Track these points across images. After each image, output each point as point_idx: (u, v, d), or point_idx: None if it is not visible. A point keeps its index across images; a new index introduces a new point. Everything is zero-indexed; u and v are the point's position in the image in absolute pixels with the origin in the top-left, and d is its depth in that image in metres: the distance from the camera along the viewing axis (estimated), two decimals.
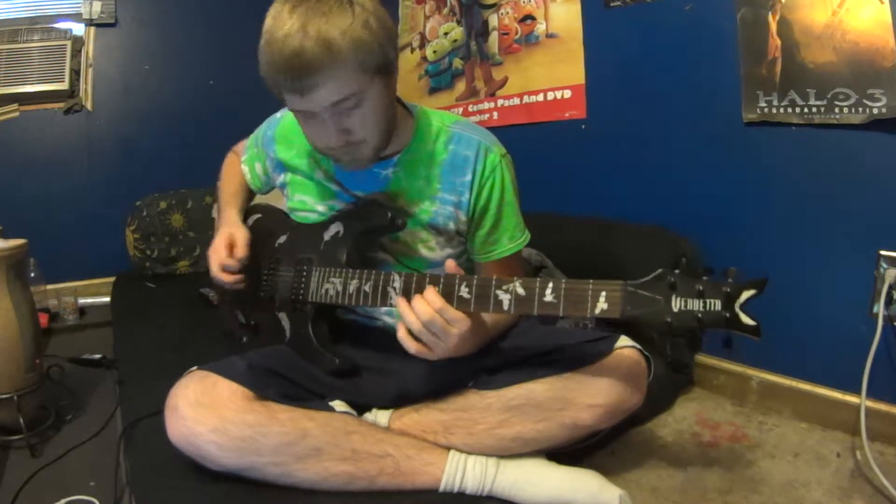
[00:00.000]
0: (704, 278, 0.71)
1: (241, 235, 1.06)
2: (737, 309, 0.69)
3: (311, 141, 0.92)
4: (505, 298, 0.79)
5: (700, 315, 0.70)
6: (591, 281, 0.76)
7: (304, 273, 1.01)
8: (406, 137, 0.98)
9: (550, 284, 0.77)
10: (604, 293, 0.75)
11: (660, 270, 0.73)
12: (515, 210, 1.02)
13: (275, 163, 1.10)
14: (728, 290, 0.70)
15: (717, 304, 0.70)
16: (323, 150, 0.92)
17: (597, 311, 0.75)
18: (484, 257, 1.03)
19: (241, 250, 1.05)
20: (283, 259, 1.06)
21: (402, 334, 0.83)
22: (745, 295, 0.69)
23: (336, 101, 0.82)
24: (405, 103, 1.00)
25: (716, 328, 0.70)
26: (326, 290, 0.96)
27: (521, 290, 0.78)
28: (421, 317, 0.80)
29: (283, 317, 1.04)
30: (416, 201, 0.98)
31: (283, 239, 1.09)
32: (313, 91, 0.80)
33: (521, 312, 0.79)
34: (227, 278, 1.04)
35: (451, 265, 0.85)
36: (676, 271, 0.72)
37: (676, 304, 0.71)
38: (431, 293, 0.81)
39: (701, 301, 0.70)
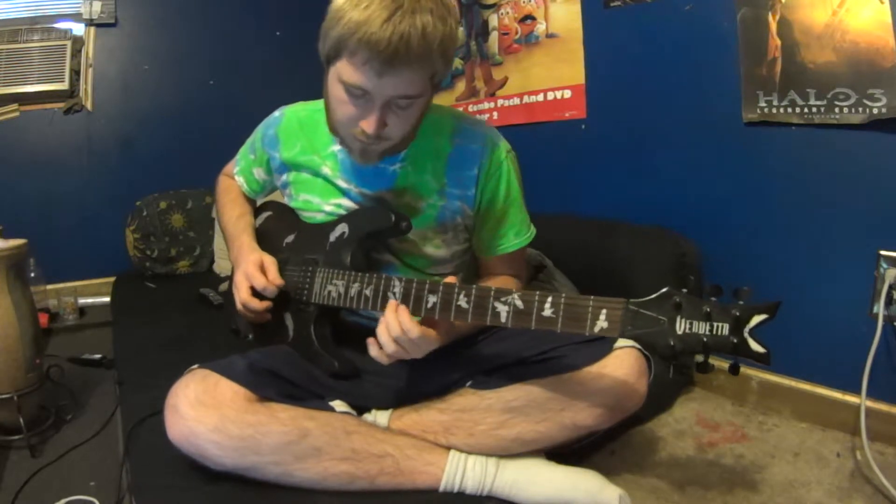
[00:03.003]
0: (713, 299, 0.67)
1: (270, 260, 1.02)
2: (745, 334, 0.65)
3: (340, 116, 0.88)
4: (503, 311, 0.78)
5: (706, 339, 0.66)
6: (591, 298, 0.73)
7: (309, 273, 1.01)
8: (410, 138, 0.97)
9: (550, 299, 0.75)
10: (604, 311, 0.71)
11: (666, 289, 0.69)
12: (521, 206, 1.02)
13: (278, 162, 1.08)
14: (737, 313, 0.65)
15: (724, 329, 0.65)
16: (346, 131, 0.89)
17: (596, 329, 0.71)
18: (489, 252, 1.03)
19: (278, 277, 1.00)
20: (290, 258, 1.05)
21: (374, 353, 0.86)
22: (756, 319, 0.64)
23: (402, 94, 0.82)
24: None
25: (722, 354, 0.66)
26: (329, 292, 0.96)
27: (519, 303, 0.77)
28: (387, 349, 0.83)
29: (287, 316, 1.04)
30: (424, 196, 0.99)
31: (290, 238, 1.09)
32: (392, 77, 0.79)
33: (519, 326, 0.77)
34: (258, 305, 0.98)
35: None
36: (684, 290, 0.68)
37: (681, 326, 0.67)
38: (395, 318, 0.82)
39: (708, 324, 0.66)
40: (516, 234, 1.02)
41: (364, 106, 0.84)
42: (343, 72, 0.82)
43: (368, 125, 0.84)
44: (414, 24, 0.76)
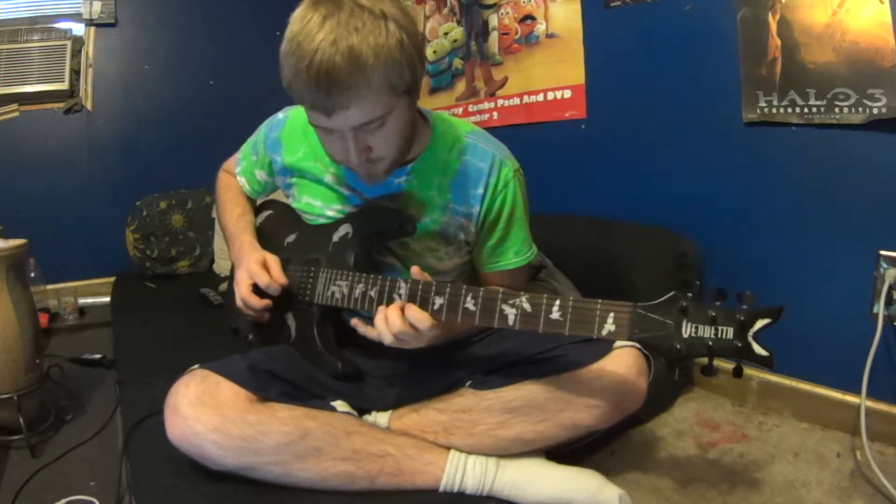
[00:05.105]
0: (717, 303, 0.68)
1: (273, 258, 1.00)
2: (749, 338, 0.66)
3: (328, 152, 0.90)
4: (510, 313, 0.78)
5: (711, 343, 0.68)
6: (599, 301, 0.73)
7: (312, 274, 1.00)
8: (421, 145, 0.97)
9: (557, 302, 0.75)
10: (612, 314, 0.72)
11: (672, 293, 0.70)
12: (524, 226, 1.02)
13: (280, 166, 1.07)
14: (742, 317, 0.67)
15: (729, 332, 0.67)
16: (340, 163, 0.91)
17: (604, 332, 0.72)
18: (488, 267, 1.03)
19: (282, 275, 0.98)
20: (292, 258, 1.05)
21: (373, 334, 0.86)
22: (760, 324, 0.66)
23: (363, 122, 0.80)
24: (421, 110, 0.98)
25: (727, 357, 0.68)
26: (332, 293, 0.96)
27: (527, 306, 0.77)
28: (392, 328, 0.82)
29: (289, 317, 1.03)
30: (427, 210, 0.98)
31: (292, 237, 1.09)
32: (340, 111, 0.77)
33: (526, 329, 0.77)
34: (258, 303, 0.97)
35: (415, 271, 0.85)
36: (689, 294, 0.69)
37: (687, 329, 0.69)
38: (402, 311, 0.83)
39: (713, 328, 0.68)
40: (516, 253, 1.02)
41: (340, 140, 0.83)
42: (307, 116, 0.83)
43: (350, 158, 0.84)
44: (337, 52, 0.73)
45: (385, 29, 0.76)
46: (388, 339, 0.84)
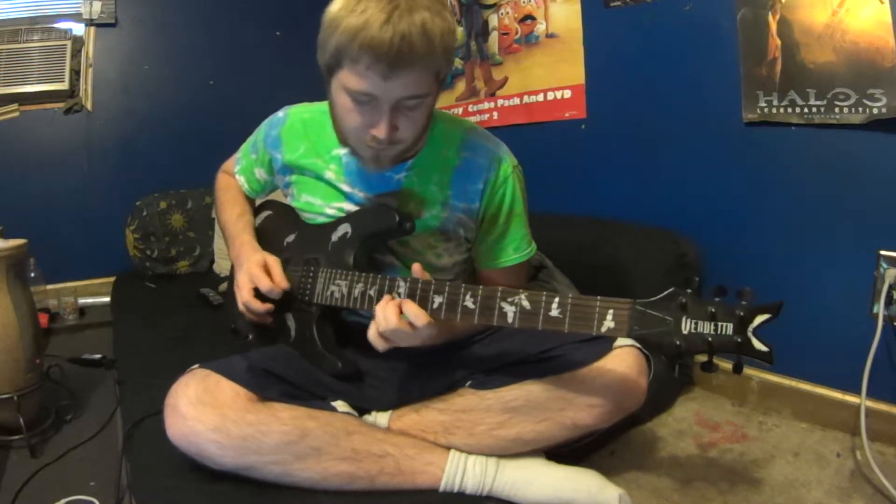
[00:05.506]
0: (717, 299, 0.68)
1: (274, 260, 1.00)
2: (749, 334, 0.66)
3: (349, 125, 0.88)
4: (510, 311, 0.78)
5: (711, 339, 0.67)
6: (598, 298, 0.73)
7: (311, 273, 1.00)
8: (421, 142, 0.97)
9: (557, 299, 0.75)
10: (611, 311, 0.72)
11: (671, 289, 0.70)
12: (523, 222, 1.02)
13: (280, 164, 1.07)
14: (741, 313, 0.66)
15: (728, 328, 0.67)
16: (357, 139, 0.89)
17: (603, 329, 0.72)
18: (488, 264, 1.03)
19: (283, 279, 0.98)
20: (292, 258, 1.05)
21: (372, 334, 0.85)
22: (759, 319, 0.66)
23: (410, 95, 0.81)
24: None
25: (727, 353, 0.68)
26: (332, 293, 0.96)
27: (526, 304, 0.77)
28: (389, 324, 0.82)
29: (288, 317, 1.03)
30: (427, 206, 0.98)
31: (291, 237, 1.09)
32: (398, 79, 0.79)
33: (526, 326, 0.77)
34: (261, 307, 0.97)
35: (416, 269, 0.86)
36: (688, 291, 0.69)
37: (686, 325, 0.68)
38: (400, 306, 0.83)
39: (712, 324, 0.67)
40: (515, 249, 1.02)
41: (372, 112, 0.83)
42: (346, 80, 0.82)
43: (380, 131, 0.83)
44: (413, 22, 0.75)
45: (445, 16, 0.80)
46: (382, 328, 0.83)
